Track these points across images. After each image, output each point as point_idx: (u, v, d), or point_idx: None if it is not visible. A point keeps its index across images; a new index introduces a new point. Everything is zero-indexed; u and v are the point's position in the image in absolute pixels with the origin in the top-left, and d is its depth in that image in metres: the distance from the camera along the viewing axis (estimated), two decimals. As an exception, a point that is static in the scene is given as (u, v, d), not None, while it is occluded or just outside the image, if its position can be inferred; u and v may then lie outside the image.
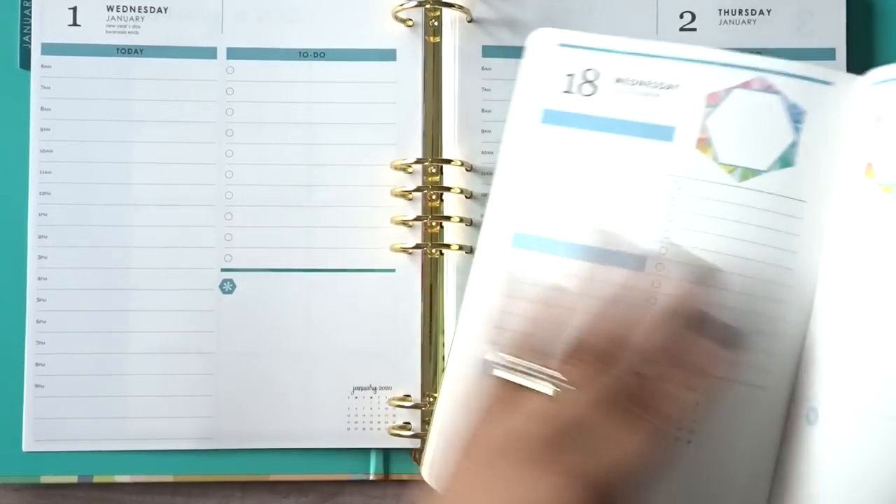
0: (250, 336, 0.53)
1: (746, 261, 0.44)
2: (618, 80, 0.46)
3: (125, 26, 0.53)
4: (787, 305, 0.44)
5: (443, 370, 0.52)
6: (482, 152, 0.52)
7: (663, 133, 0.46)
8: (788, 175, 0.44)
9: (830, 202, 0.44)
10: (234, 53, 0.54)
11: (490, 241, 0.46)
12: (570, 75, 0.47)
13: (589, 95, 0.47)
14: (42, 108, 0.53)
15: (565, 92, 0.47)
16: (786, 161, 0.45)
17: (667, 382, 0.39)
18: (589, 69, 0.47)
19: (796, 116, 0.45)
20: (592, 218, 0.46)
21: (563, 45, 0.47)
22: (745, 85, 0.45)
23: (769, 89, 0.45)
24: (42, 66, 0.53)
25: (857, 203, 0.43)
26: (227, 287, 0.53)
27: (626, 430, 0.37)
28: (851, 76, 0.45)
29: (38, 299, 0.52)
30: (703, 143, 0.45)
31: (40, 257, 0.52)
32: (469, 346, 0.45)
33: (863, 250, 0.42)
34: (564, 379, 0.38)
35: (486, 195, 0.52)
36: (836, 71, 0.46)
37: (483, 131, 0.53)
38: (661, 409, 0.38)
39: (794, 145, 0.44)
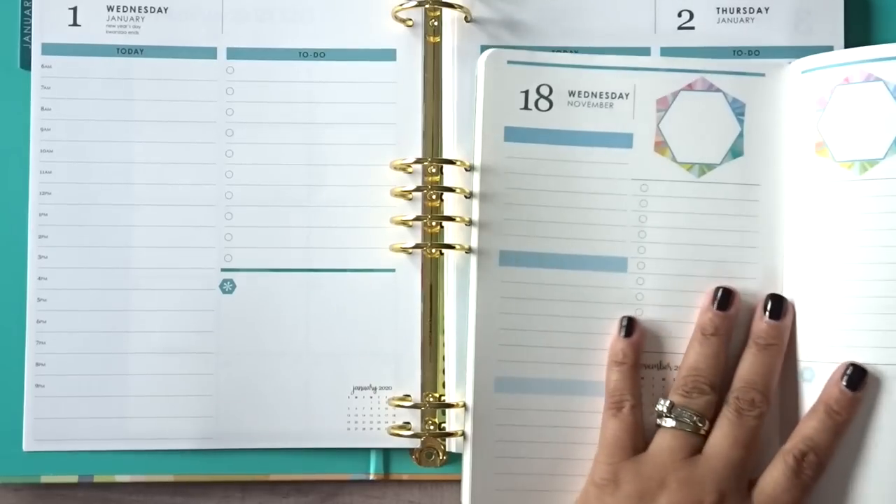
0: (250, 336, 0.53)
1: (716, 247, 0.50)
2: (571, 94, 0.50)
3: (125, 26, 0.54)
4: (757, 281, 0.49)
5: (443, 370, 0.52)
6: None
7: (622, 140, 0.50)
8: (740, 164, 0.50)
9: (783, 181, 0.49)
10: (234, 53, 0.54)
11: (479, 262, 0.49)
12: (524, 92, 0.50)
13: (546, 111, 0.50)
14: (42, 108, 0.53)
15: (523, 109, 0.49)
16: (736, 151, 0.50)
17: None
18: (542, 85, 0.50)
19: (738, 109, 0.50)
20: (570, 227, 0.49)
21: (511, 63, 0.50)
22: (689, 87, 0.50)
23: (711, 88, 0.50)
24: (42, 66, 0.53)
25: (814, 179, 0.48)
26: (227, 287, 0.53)
27: None
28: (779, 64, 0.50)
29: (39, 299, 0.52)
30: (661, 146, 0.50)
31: (40, 257, 0.52)
32: (485, 369, 0.49)
33: (827, 220, 0.47)
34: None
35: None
36: (765, 62, 0.51)
37: (483, 131, 0.53)
38: None
39: (740, 136, 0.50)
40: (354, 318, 0.53)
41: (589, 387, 0.49)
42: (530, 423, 0.49)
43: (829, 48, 0.53)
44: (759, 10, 0.54)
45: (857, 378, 0.46)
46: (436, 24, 0.54)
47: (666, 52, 0.53)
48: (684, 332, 0.49)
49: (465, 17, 0.53)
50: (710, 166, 0.49)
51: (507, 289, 0.49)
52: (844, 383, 0.46)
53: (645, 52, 0.53)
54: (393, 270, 0.53)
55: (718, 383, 0.47)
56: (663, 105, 0.50)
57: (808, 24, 0.53)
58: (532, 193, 0.49)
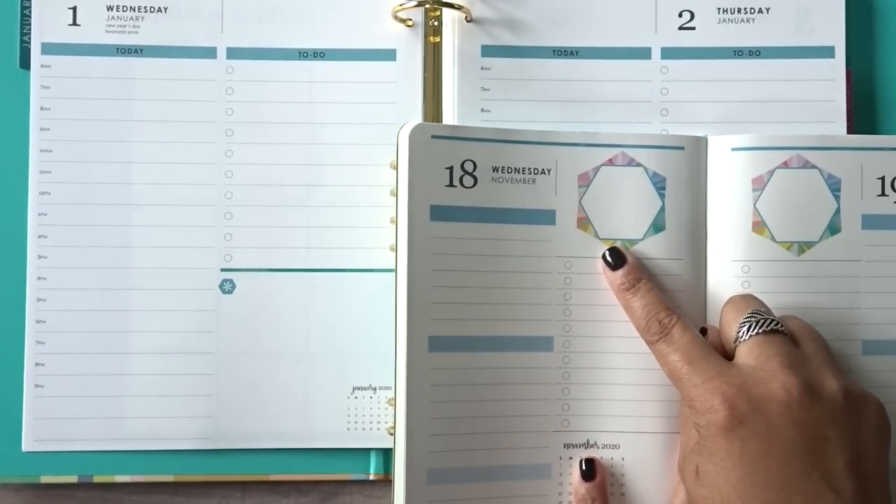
0: (250, 336, 0.53)
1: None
2: (494, 170, 0.48)
3: (125, 26, 0.53)
4: None
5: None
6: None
7: (545, 217, 0.49)
8: (663, 238, 0.49)
9: (708, 256, 0.49)
10: (234, 53, 0.54)
11: (408, 348, 0.47)
12: (448, 168, 0.48)
13: (470, 188, 0.48)
14: (42, 108, 0.53)
15: (448, 186, 0.48)
16: (658, 226, 0.49)
17: None
18: (466, 160, 0.48)
19: (659, 184, 0.49)
20: (497, 308, 0.48)
21: (435, 137, 0.48)
22: (610, 161, 0.49)
23: (631, 162, 0.49)
24: (42, 65, 0.53)
25: (749, 256, 0.48)
26: (226, 287, 0.53)
27: None
28: (698, 139, 0.49)
29: (38, 299, 0.52)
30: (583, 222, 0.49)
31: (40, 257, 0.52)
32: (418, 461, 0.47)
33: (764, 298, 0.47)
34: None
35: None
36: (684, 136, 0.50)
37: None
38: None
39: (661, 210, 0.49)
40: (354, 318, 0.53)
41: (524, 471, 0.48)
42: None
43: (831, 48, 0.53)
44: (760, 11, 0.54)
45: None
46: (436, 24, 0.54)
47: (667, 52, 0.53)
48: (611, 409, 0.48)
49: (466, 17, 0.53)
50: (632, 242, 0.49)
51: (436, 376, 0.47)
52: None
53: (646, 52, 0.53)
54: (393, 271, 0.53)
55: None
56: (584, 181, 0.49)
57: (809, 25, 0.53)
58: (458, 275, 0.48)
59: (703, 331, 0.47)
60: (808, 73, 0.53)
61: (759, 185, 0.48)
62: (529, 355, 0.48)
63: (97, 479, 0.52)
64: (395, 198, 0.52)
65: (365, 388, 0.53)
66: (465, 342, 0.48)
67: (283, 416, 0.52)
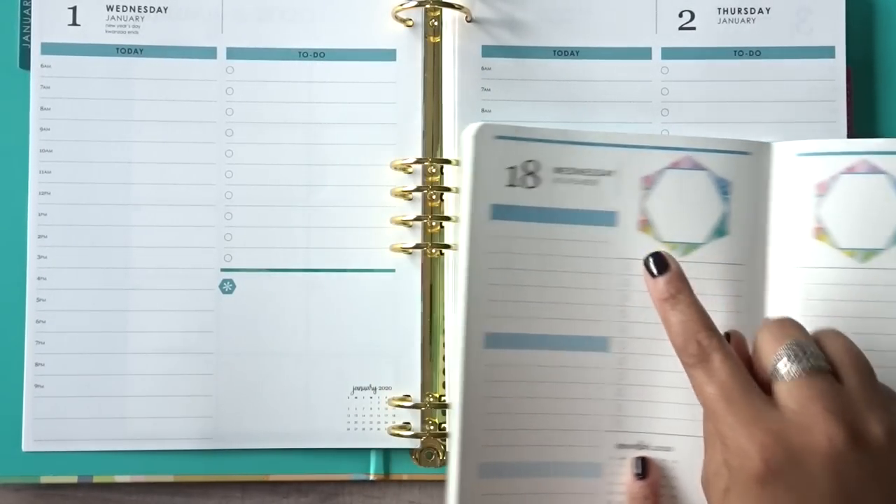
0: (250, 336, 0.53)
1: None
2: (557, 170, 0.48)
3: (125, 26, 0.53)
4: None
5: (443, 370, 0.52)
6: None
7: (606, 219, 0.48)
8: (725, 243, 0.48)
9: (769, 262, 0.48)
10: (233, 53, 0.54)
11: (463, 343, 0.47)
12: (511, 168, 0.48)
13: (532, 188, 0.48)
14: (42, 108, 0.53)
15: (509, 185, 0.48)
16: (721, 231, 0.48)
17: None
18: (529, 161, 0.48)
19: (724, 188, 0.48)
20: (554, 307, 0.48)
21: (499, 138, 0.48)
22: (675, 165, 0.49)
23: (696, 166, 0.49)
24: (42, 65, 0.53)
25: (810, 263, 0.47)
26: (226, 287, 0.53)
27: None
28: (765, 145, 0.49)
29: (38, 299, 0.52)
30: (645, 225, 0.49)
31: (40, 257, 0.52)
32: (472, 454, 0.47)
33: (823, 303, 0.47)
34: None
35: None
36: (750, 140, 0.49)
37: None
38: None
39: (725, 216, 0.48)
40: (354, 318, 0.53)
41: (575, 468, 0.48)
42: None
43: (831, 48, 0.53)
44: (761, 11, 0.54)
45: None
46: (436, 24, 0.53)
47: (667, 52, 0.53)
48: (665, 412, 0.48)
49: (466, 17, 0.53)
50: (695, 246, 0.48)
51: (491, 372, 0.48)
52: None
53: (646, 52, 0.53)
54: (393, 270, 0.53)
55: None
56: (649, 183, 0.49)
57: (809, 25, 0.53)
58: (516, 273, 0.48)
59: (728, 336, 0.45)
60: (808, 73, 0.53)
61: (823, 190, 0.48)
62: (585, 355, 0.48)
63: (97, 479, 0.52)
64: (396, 197, 0.52)
65: (365, 388, 0.53)
66: (521, 339, 0.48)
67: (283, 416, 0.52)
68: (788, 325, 0.42)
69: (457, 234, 0.48)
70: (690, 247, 0.48)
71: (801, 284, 0.48)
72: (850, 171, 0.47)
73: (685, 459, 0.48)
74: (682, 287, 0.44)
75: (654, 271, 0.45)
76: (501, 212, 0.48)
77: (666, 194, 0.49)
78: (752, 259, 0.48)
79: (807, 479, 0.38)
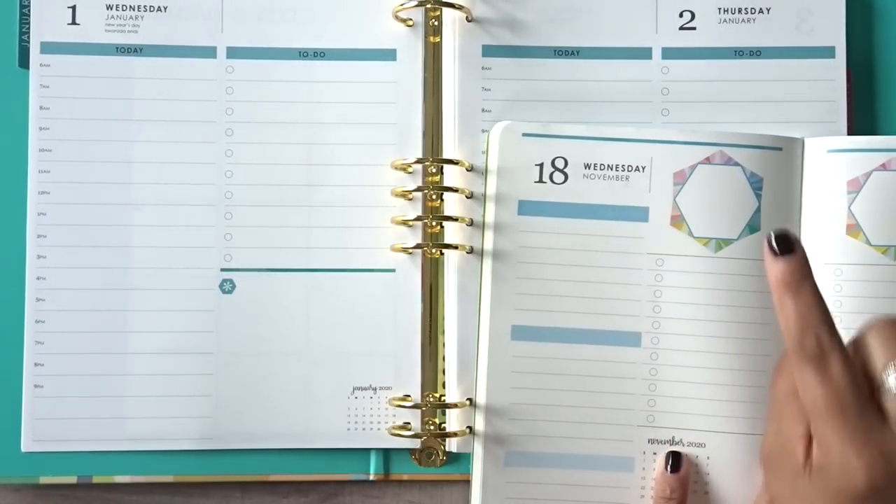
0: (250, 336, 0.52)
1: (731, 323, 0.48)
2: (587, 166, 0.49)
3: (125, 25, 0.53)
4: (773, 357, 0.47)
5: (443, 370, 0.52)
6: (482, 152, 0.52)
7: (638, 214, 0.49)
8: (758, 239, 0.48)
9: None
10: (233, 53, 0.54)
11: (490, 336, 0.49)
12: (539, 165, 0.49)
13: (561, 183, 0.49)
14: (41, 108, 0.53)
15: (537, 182, 0.49)
16: (753, 227, 0.49)
17: None
18: (557, 157, 0.49)
19: (756, 184, 0.49)
20: (584, 301, 0.49)
21: (526, 136, 0.49)
22: (707, 160, 0.49)
23: (729, 161, 0.49)
24: (41, 64, 0.53)
25: (844, 259, 0.48)
26: (226, 287, 0.53)
27: None
28: (797, 140, 0.49)
29: (37, 299, 0.52)
30: (677, 220, 0.49)
31: (39, 257, 0.52)
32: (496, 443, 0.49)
33: (855, 297, 0.47)
34: None
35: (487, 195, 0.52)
36: (782, 136, 0.50)
37: (483, 131, 0.52)
38: None
39: (758, 211, 0.49)
40: (354, 318, 0.53)
41: (606, 462, 0.49)
42: (542, 497, 0.49)
43: (831, 48, 0.53)
44: (761, 11, 0.54)
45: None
46: (436, 23, 0.53)
47: (667, 52, 0.53)
48: (699, 408, 0.49)
49: (466, 17, 0.53)
50: (727, 241, 0.49)
51: (517, 364, 0.49)
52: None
53: (646, 52, 0.53)
54: (393, 270, 0.53)
55: None
56: (680, 178, 0.49)
57: (809, 25, 0.53)
58: (545, 267, 0.49)
59: None
60: (808, 73, 0.53)
61: (855, 187, 0.48)
62: (616, 349, 0.49)
63: (96, 479, 0.52)
64: (397, 197, 0.52)
65: (365, 388, 0.52)
66: (549, 333, 0.49)
67: (283, 416, 0.52)
68: None
69: (483, 229, 0.49)
70: (723, 242, 0.49)
71: (834, 281, 0.48)
72: (883, 167, 0.48)
73: (718, 456, 0.48)
74: (807, 274, 0.41)
75: (778, 251, 0.41)
76: (529, 208, 0.49)
77: (698, 189, 0.49)
78: None
79: None
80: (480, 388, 0.48)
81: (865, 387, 0.39)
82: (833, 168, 0.48)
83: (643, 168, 0.49)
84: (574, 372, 0.49)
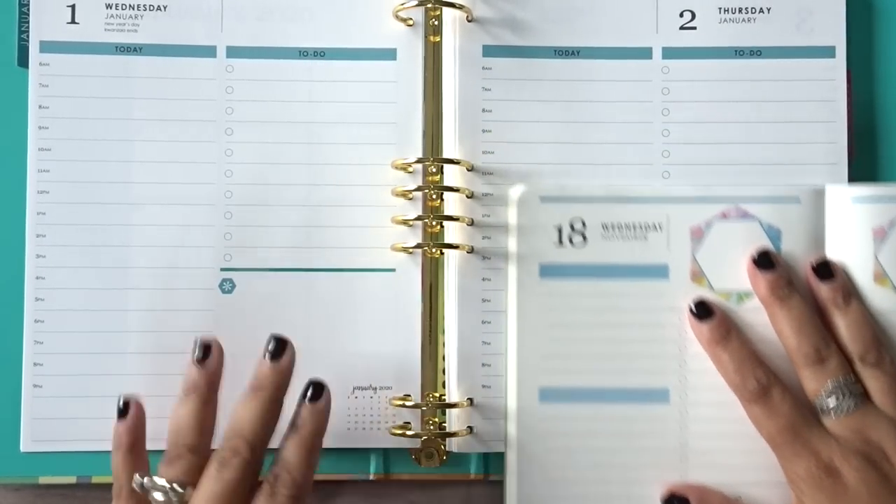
0: (250, 336, 0.52)
1: None
2: (605, 227, 0.50)
3: (124, 24, 0.53)
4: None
5: (443, 370, 0.52)
6: (483, 152, 0.52)
7: (658, 272, 0.49)
8: None
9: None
10: (233, 52, 0.53)
11: (518, 398, 0.49)
12: (558, 227, 0.49)
13: (580, 245, 0.49)
14: (40, 107, 0.53)
15: (557, 245, 0.49)
16: None
17: None
18: (575, 219, 0.49)
19: (774, 235, 0.49)
20: (610, 360, 0.49)
21: (544, 199, 0.50)
22: (723, 215, 0.49)
23: (745, 216, 0.49)
24: (40, 63, 0.53)
25: (873, 309, 0.47)
26: (226, 287, 0.53)
27: None
28: (816, 191, 0.49)
29: (37, 299, 0.52)
30: (697, 276, 0.49)
31: (38, 256, 0.52)
32: None
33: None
34: None
35: (486, 195, 0.52)
36: (800, 187, 0.50)
37: (483, 131, 0.53)
38: None
39: None
40: (354, 318, 0.53)
41: None
42: None
43: (832, 48, 0.53)
44: (761, 10, 0.54)
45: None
46: (436, 23, 0.53)
47: (668, 51, 0.53)
48: (732, 460, 0.49)
49: (467, 17, 0.53)
50: (749, 294, 0.49)
51: (547, 426, 0.49)
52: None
53: (647, 52, 0.53)
54: (393, 270, 0.53)
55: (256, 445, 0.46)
56: (698, 235, 0.49)
57: (809, 25, 0.53)
58: (570, 328, 0.49)
59: None
60: (808, 73, 0.53)
61: (881, 235, 0.48)
62: (645, 407, 0.49)
63: (96, 479, 0.52)
64: (397, 196, 0.52)
65: (365, 388, 0.52)
66: (577, 393, 0.49)
67: (283, 416, 0.52)
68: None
69: (506, 292, 0.50)
70: (744, 295, 0.49)
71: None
72: None
73: None
74: (730, 328, 0.47)
75: (699, 315, 0.48)
76: (550, 271, 0.49)
77: (716, 245, 0.49)
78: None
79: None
80: (511, 458, 0.49)
81: (808, 411, 0.45)
82: (858, 217, 0.48)
83: (660, 226, 0.49)
84: (604, 431, 0.49)
